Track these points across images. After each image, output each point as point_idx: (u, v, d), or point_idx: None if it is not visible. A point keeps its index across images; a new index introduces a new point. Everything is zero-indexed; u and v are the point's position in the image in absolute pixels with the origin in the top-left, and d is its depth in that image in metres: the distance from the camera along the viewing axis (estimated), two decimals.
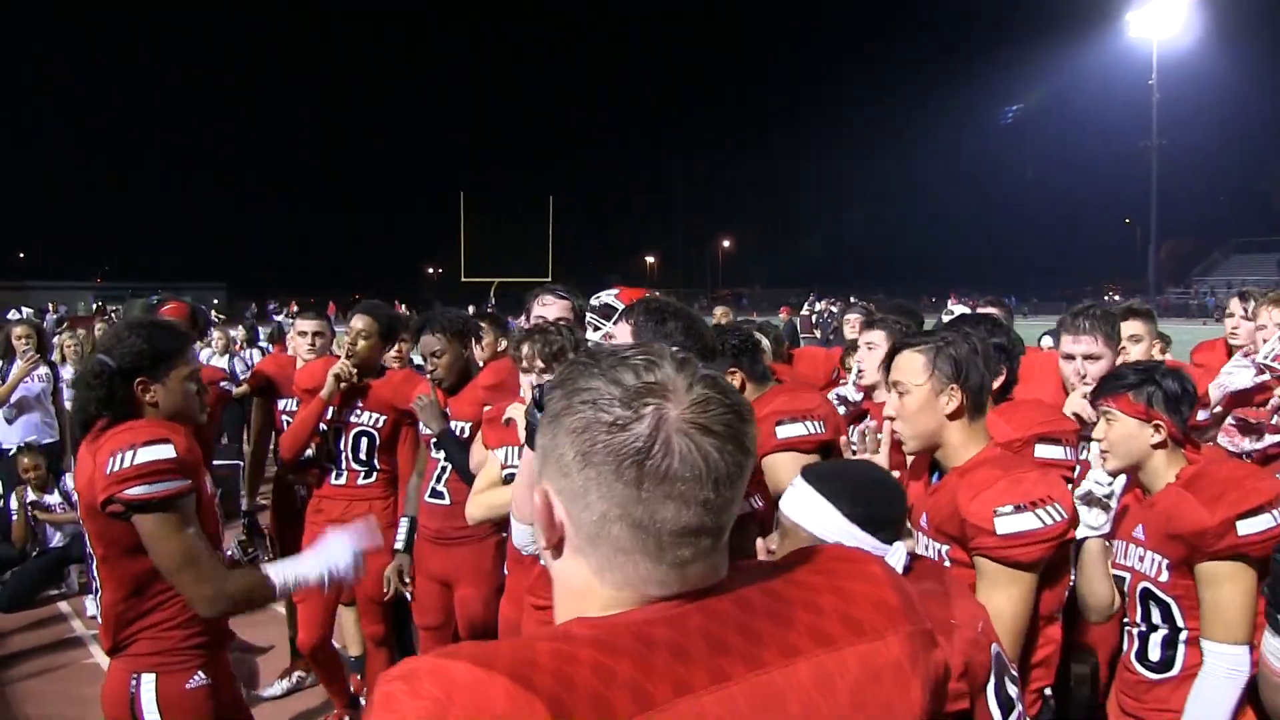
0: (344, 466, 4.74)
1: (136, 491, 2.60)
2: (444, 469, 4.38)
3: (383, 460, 4.77)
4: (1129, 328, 4.41)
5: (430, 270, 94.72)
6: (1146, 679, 2.73)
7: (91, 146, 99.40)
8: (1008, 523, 2.37)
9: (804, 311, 30.17)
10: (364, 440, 4.71)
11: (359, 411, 4.70)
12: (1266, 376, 3.67)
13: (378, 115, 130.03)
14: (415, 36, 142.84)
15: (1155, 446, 2.73)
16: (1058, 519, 2.40)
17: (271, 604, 2.77)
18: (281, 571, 2.77)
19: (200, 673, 2.83)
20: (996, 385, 3.20)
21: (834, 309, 20.52)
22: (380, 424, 4.70)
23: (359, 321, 4.72)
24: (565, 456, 1.03)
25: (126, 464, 2.60)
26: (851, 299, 29.99)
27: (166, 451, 2.65)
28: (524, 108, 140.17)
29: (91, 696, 3.11)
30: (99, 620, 2.89)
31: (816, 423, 3.29)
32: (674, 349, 1.10)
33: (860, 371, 4.10)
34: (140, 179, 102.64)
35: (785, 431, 3.32)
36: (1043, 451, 3.12)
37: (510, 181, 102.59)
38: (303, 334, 5.39)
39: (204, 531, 2.77)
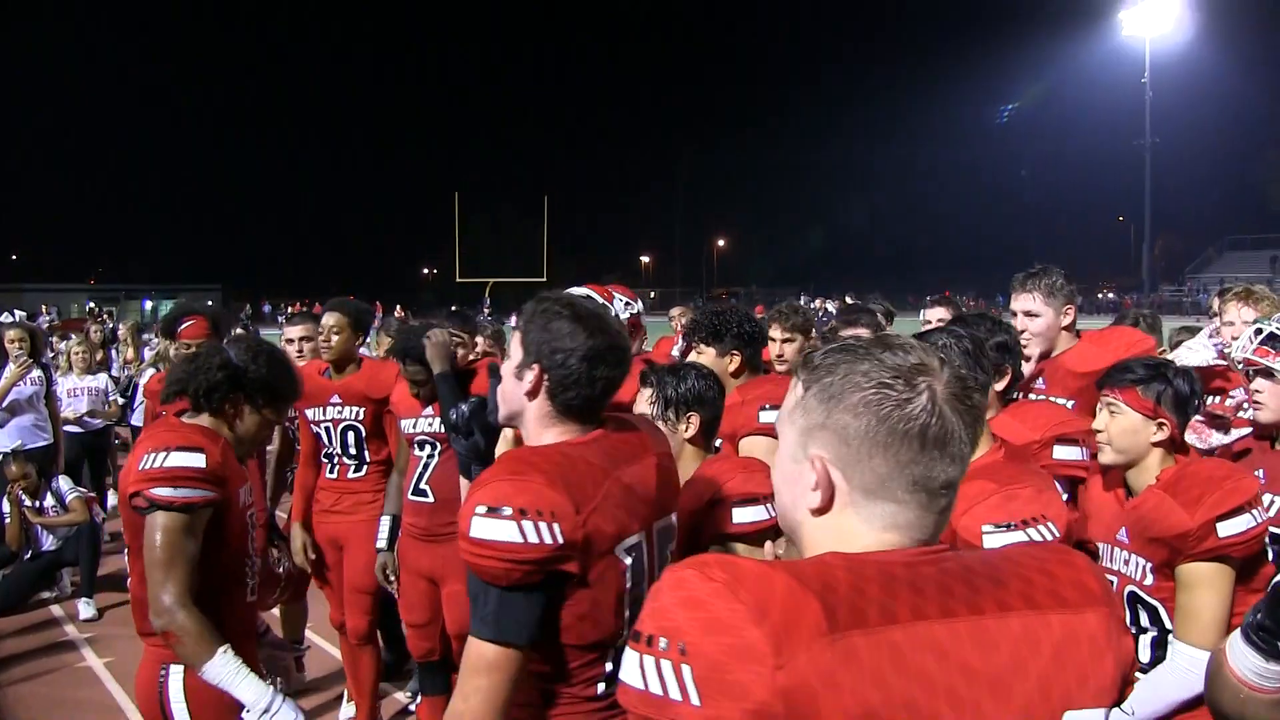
0: (336, 461, 4.88)
1: (160, 492, 2.72)
2: (426, 467, 4.43)
3: (373, 451, 4.86)
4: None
5: (426, 271, 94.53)
6: (1136, 679, 2.71)
7: (85, 147, 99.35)
8: (995, 541, 2.32)
9: None
10: (351, 434, 4.82)
11: (340, 408, 4.80)
12: (1219, 361, 3.71)
13: (373, 115, 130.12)
14: (410, 36, 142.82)
15: (1155, 445, 2.72)
16: (1049, 538, 2.35)
17: (195, 666, 2.71)
18: (227, 664, 2.70)
19: None
20: (1002, 385, 3.17)
21: (830, 307, 20.48)
22: (361, 416, 4.79)
23: (330, 318, 4.86)
24: (849, 427, 1.22)
25: (157, 464, 2.73)
26: (848, 297, 30.08)
27: (197, 460, 2.76)
28: (519, 107, 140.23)
29: (84, 700, 3.13)
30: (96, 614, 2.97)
31: None
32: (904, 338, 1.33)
33: None
34: (134, 180, 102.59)
35: (767, 417, 3.48)
36: (1061, 453, 3.11)
37: (505, 181, 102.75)
38: (290, 340, 5.42)
39: (227, 541, 2.89)
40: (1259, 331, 3.08)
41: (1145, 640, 2.72)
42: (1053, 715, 1.17)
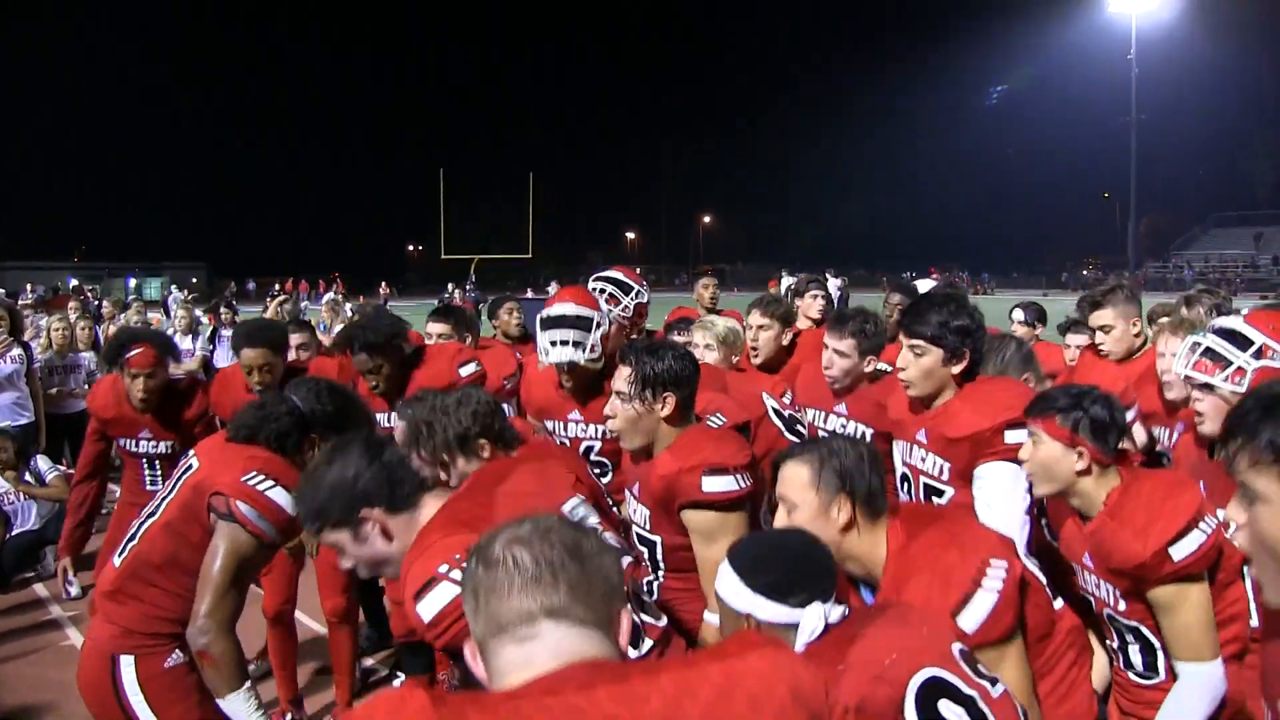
0: None
1: (246, 511, 2.81)
2: None
3: None
4: (1098, 318, 4.48)
5: (411, 248, 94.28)
6: (1137, 682, 2.76)
7: (69, 122, 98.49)
8: (969, 617, 2.30)
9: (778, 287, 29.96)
10: None
11: None
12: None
13: (358, 94, 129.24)
14: (395, 14, 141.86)
15: (1080, 474, 2.68)
16: (1003, 575, 2.33)
17: (217, 693, 2.79)
18: (249, 702, 2.79)
19: (177, 651, 2.96)
20: (960, 369, 3.19)
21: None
22: None
23: (256, 356, 4.48)
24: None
25: (260, 488, 2.83)
26: (827, 274, 30.05)
27: (289, 506, 2.82)
28: (504, 84, 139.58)
29: (69, 680, 3.13)
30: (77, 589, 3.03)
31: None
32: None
33: (832, 377, 4.03)
34: (119, 156, 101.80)
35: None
36: (1012, 437, 3.07)
37: (490, 159, 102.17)
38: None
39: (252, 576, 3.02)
40: (1196, 346, 3.07)
41: (1134, 650, 2.74)
42: None
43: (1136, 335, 4.43)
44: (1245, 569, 2.61)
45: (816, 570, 2.07)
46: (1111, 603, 2.71)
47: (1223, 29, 75.50)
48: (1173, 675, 2.64)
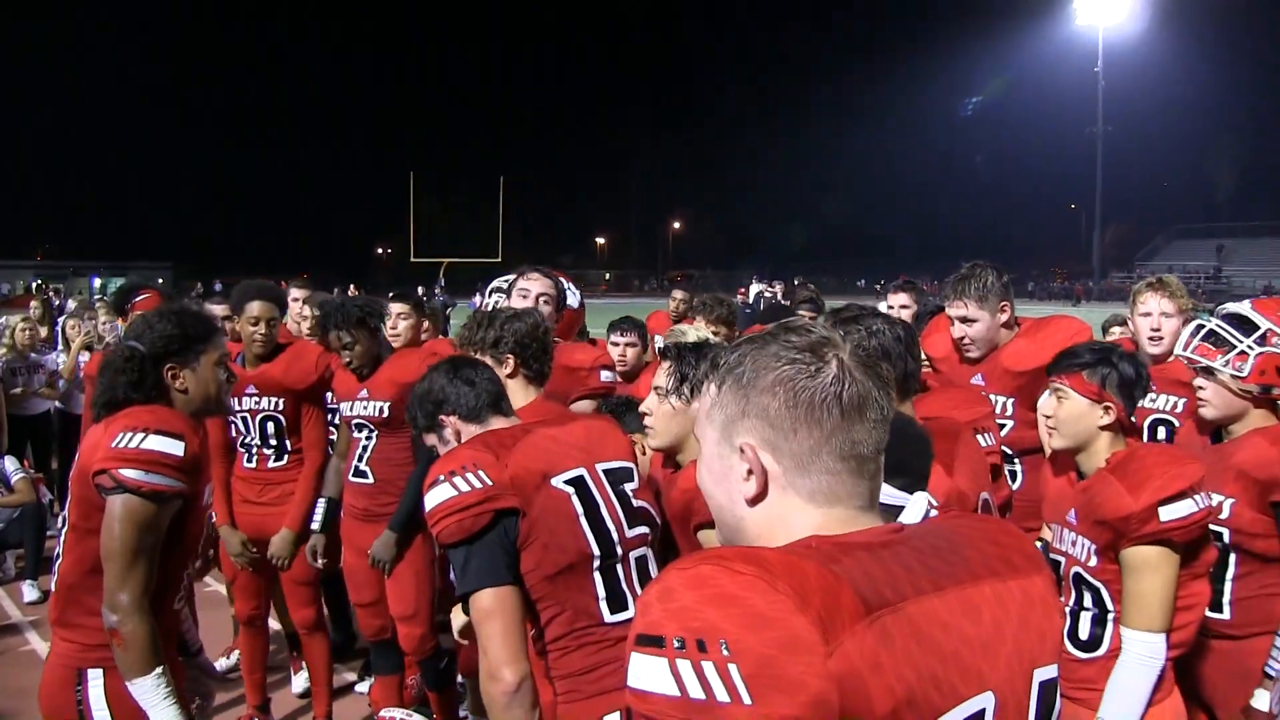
0: (254, 451, 4.67)
1: (130, 474, 2.58)
2: (365, 448, 4.48)
3: (294, 440, 4.68)
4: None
5: (380, 250, 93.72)
6: (1076, 658, 2.77)
7: (30, 120, 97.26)
8: None
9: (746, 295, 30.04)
10: (270, 424, 4.63)
11: (256, 399, 4.60)
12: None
13: (328, 95, 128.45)
14: (365, 16, 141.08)
15: (1103, 428, 2.75)
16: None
17: (126, 676, 2.61)
18: (159, 689, 2.61)
19: None
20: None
21: (774, 291, 20.45)
22: (281, 406, 4.61)
23: (260, 309, 4.55)
24: (769, 407, 1.23)
25: (133, 445, 2.60)
26: (797, 281, 30.20)
27: (175, 448, 2.64)
28: (474, 87, 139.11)
29: (28, 686, 3.08)
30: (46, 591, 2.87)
31: None
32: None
33: None
34: (82, 153, 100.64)
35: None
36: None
37: (460, 162, 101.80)
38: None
39: (182, 542, 2.78)
40: (1199, 329, 3.10)
41: (1086, 618, 2.76)
42: (1026, 675, 1.21)
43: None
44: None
45: (920, 451, 2.05)
46: (1084, 558, 2.73)
47: (1188, 43, 76.66)
48: (1110, 653, 2.67)
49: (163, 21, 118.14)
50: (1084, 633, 2.77)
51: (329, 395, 4.78)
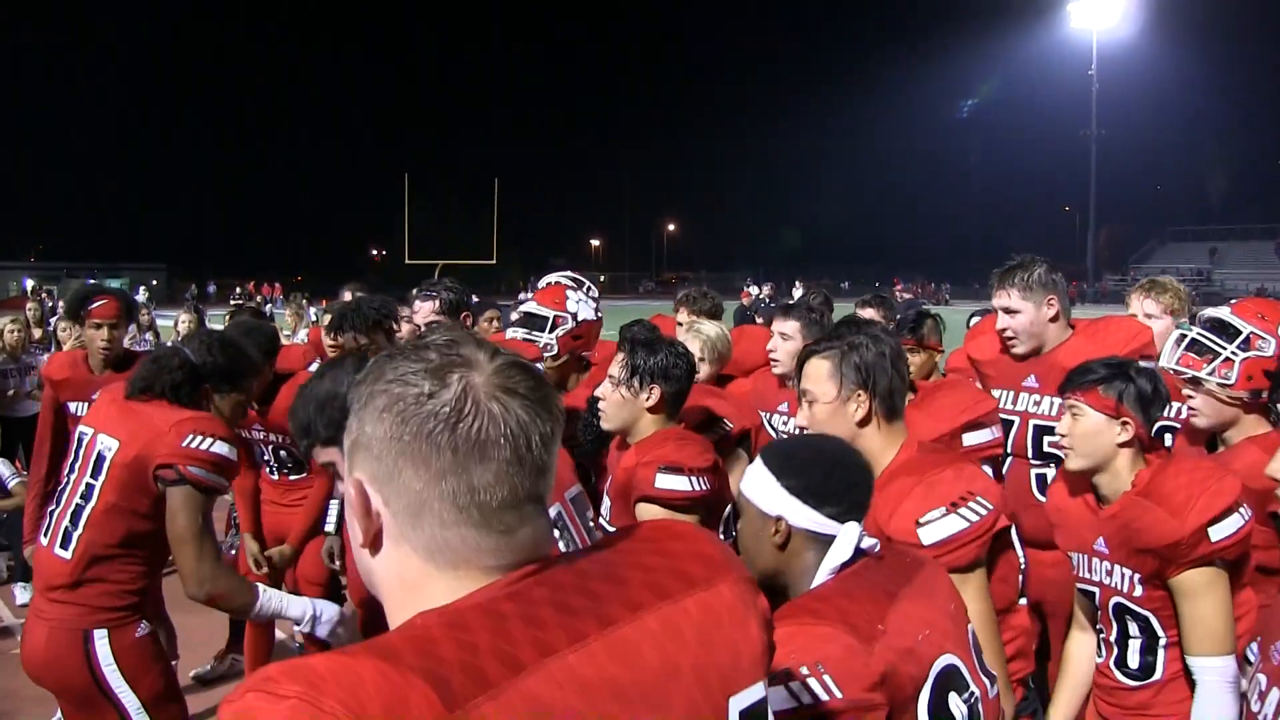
0: (275, 468, 4.67)
1: (197, 471, 2.93)
2: None
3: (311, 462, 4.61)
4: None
5: (375, 252, 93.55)
6: (1126, 685, 2.68)
7: (25, 121, 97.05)
8: (931, 532, 2.29)
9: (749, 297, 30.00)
10: (283, 451, 4.60)
11: (263, 432, 4.54)
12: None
13: (321, 98, 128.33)
14: (359, 19, 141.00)
15: (1121, 446, 2.60)
16: (982, 513, 2.34)
17: (246, 615, 3.06)
18: (271, 595, 3.00)
19: (144, 622, 3.11)
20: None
21: (765, 294, 20.47)
22: (288, 441, 4.40)
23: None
24: (374, 437, 1.04)
25: (203, 447, 2.96)
26: (796, 283, 30.20)
27: (232, 454, 3.03)
28: (468, 90, 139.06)
29: (20, 689, 3.08)
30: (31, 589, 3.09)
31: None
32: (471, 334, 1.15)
33: (776, 360, 4.06)
34: (77, 154, 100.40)
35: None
36: (971, 439, 3.10)
37: (454, 163, 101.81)
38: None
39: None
40: (1182, 339, 3.03)
41: (1134, 647, 2.66)
42: (716, 707, 1.08)
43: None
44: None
45: (856, 481, 1.93)
46: (1126, 589, 2.61)
47: (1181, 47, 76.80)
48: (1167, 678, 2.58)
49: (158, 24, 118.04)
50: (1133, 662, 2.66)
51: None
